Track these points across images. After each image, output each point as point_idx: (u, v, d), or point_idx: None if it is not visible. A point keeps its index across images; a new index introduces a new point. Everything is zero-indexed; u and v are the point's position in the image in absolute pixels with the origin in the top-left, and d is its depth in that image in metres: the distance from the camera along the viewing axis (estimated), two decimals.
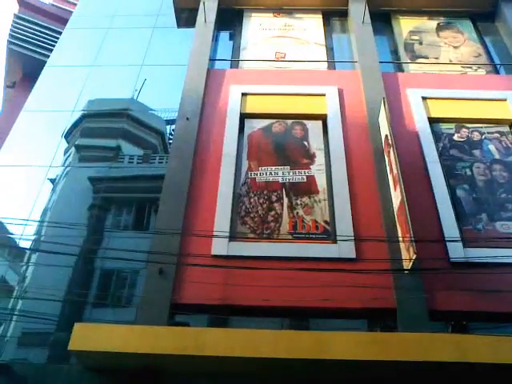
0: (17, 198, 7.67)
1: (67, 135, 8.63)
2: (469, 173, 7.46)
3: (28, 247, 7.15)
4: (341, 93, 8.59)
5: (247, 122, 8.28)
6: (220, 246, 6.42)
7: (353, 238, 6.43)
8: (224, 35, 10.70)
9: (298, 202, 7.11)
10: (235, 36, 10.54)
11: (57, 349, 5.98)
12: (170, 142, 8.28)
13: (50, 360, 5.97)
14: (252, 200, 7.16)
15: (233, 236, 6.65)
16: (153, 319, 5.70)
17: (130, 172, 8.23)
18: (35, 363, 5.90)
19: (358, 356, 4.88)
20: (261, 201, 7.13)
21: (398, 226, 6.36)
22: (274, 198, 7.16)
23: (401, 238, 6.14)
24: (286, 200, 7.14)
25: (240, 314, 6.06)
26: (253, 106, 8.51)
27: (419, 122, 8.06)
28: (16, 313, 6.33)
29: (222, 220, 6.73)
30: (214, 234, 6.46)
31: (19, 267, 7.06)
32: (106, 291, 6.60)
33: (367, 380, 5.18)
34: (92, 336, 5.19)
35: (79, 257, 6.84)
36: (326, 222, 6.87)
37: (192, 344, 5.06)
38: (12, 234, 7.26)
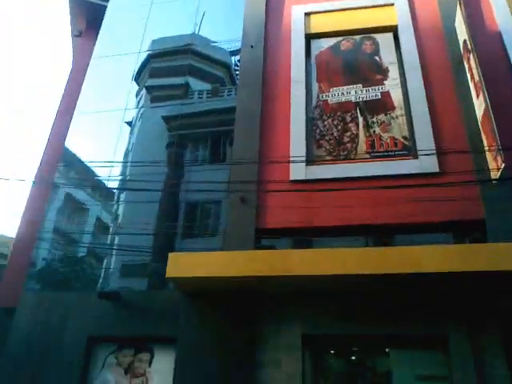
0: (99, 142, 8.06)
1: (137, 77, 8.80)
2: None
3: (116, 187, 7.60)
4: (410, 0, 7.98)
5: (313, 43, 7.99)
6: (298, 171, 6.46)
7: (434, 151, 6.19)
8: None
9: (374, 120, 6.90)
10: None
11: (154, 277, 6.47)
12: (237, 73, 8.21)
13: (149, 287, 6.49)
14: (326, 122, 7.04)
15: (310, 160, 6.65)
16: (239, 245, 5.96)
17: (201, 107, 8.31)
18: (138, 290, 6.46)
19: (449, 268, 4.79)
20: (335, 122, 7.00)
21: (482, 135, 6.01)
22: (348, 119, 7.00)
23: (487, 148, 5.82)
24: (360, 119, 6.95)
25: (323, 235, 6.13)
26: (317, 25, 8.15)
27: (502, 24, 7.33)
28: (115, 247, 6.86)
29: (297, 145, 6.71)
30: (291, 159, 6.48)
31: (111, 206, 7.55)
32: (192, 222, 6.93)
33: (459, 292, 5.18)
34: (186, 263, 5.49)
35: (164, 192, 7.16)
36: (404, 137, 6.65)
37: (280, 265, 5.21)
38: (100, 176, 7.70)
